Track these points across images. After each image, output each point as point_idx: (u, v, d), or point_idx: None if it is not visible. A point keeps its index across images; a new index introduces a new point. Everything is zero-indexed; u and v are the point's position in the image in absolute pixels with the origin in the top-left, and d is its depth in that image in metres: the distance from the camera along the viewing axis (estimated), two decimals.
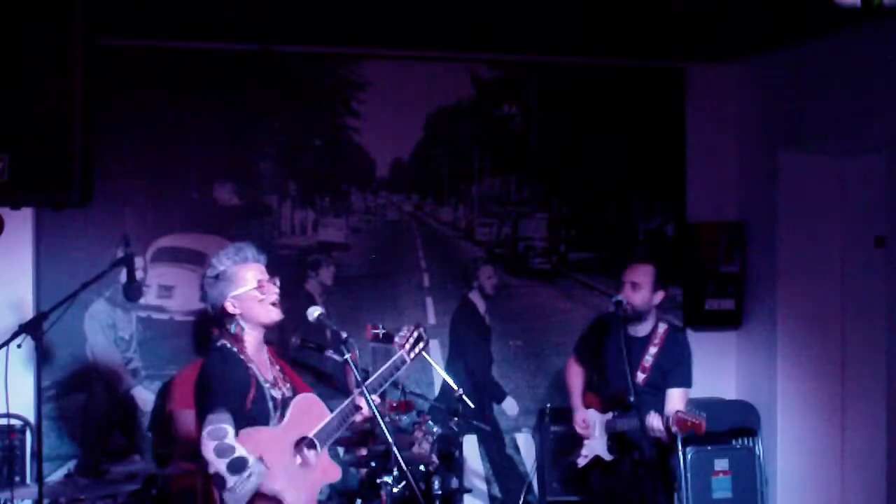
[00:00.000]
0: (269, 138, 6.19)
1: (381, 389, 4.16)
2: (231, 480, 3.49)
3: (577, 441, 5.21)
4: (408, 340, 4.23)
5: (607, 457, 5.00)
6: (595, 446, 5.07)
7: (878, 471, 5.72)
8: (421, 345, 4.28)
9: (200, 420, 3.64)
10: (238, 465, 3.49)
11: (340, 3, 5.25)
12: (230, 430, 3.56)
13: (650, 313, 5.12)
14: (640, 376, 5.01)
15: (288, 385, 3.95)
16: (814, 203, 6.35)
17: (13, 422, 5.51)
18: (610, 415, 5.01)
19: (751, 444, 6.40)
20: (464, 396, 5.42)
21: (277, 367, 3.99)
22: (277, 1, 5.16)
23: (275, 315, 3.85)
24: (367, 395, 3.86)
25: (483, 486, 6.37)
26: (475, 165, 6.57)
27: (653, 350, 5.06)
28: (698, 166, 6.75)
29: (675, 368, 4.98)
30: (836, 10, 3.46)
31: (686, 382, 4.98)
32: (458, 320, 6.42)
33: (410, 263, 6.42)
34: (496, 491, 6.40)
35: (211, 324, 3.90)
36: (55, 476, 5.52)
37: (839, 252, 6.36)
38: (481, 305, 6.46)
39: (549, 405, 6.36)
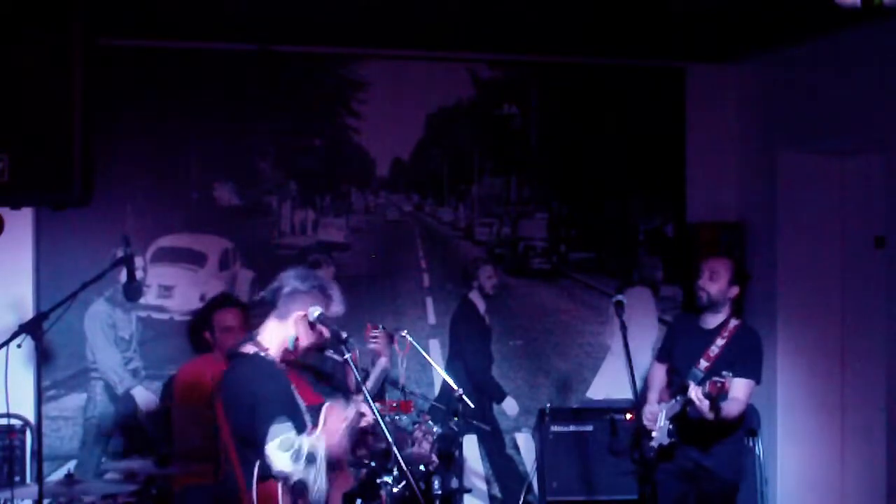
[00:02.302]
0: (269, 138, 6.19)
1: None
2: (312, 472, 3.50)
3: (642, 436, 5.21)
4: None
5: (666, 441, 5.01)
6: (659, 436, 5.09)
7: (878, 471, 5.72)
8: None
9: (250, 432, 3.53)
10: (312, 459, 3.51)
11: (340, 3, 5.25)
12: (294, 434, 3.52)
13: (724, 306, 5.15)
14: (703, 364, 5.02)
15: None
16: (814, 203, 6.34)
17: (13, 422, 5.51)
18: (673, 402, 5.02)
19: (751, 444, 6.39)
20: (464, 396, 5.43)
21: None
22: (277, 1, 5.16)
23: (299, 352, 3.88)
24: (370, 400, 3.86)
25: (483, 486, 6.36)
26: (475, 165, 6.57)
27: (720, 342, 5.08)
28: (698, 166, 6.74)
29: (743, 359, 4.94)
30: (836, 10, 3.45)
31: (752, 374, 4.96)
32: (458, 320, 6.41)
33: (410, 263, 6.42)
34: (496, 491, 6.40)
35: (263, 308, 3.87)
36: (55, 476, 5.51)
37: (839, 252, 6.36)
38: (481, 305, 6.46)
39: (549, 405, 6.36)
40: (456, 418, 5.43)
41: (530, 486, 6.35)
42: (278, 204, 6.22)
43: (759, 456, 6.36)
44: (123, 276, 4.73)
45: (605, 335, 6.57)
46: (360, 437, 5.05)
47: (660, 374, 5.38)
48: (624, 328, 4.97)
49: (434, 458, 5.22)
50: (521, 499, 6.29)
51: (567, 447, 6.20)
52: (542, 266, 6.61)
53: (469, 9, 5.38)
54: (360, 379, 3.95)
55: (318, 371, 5.91)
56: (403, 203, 6.46)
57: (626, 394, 5.34)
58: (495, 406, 6.43)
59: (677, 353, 5.22)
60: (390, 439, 3.80)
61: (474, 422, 5.70)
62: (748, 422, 6.39)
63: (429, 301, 6.40)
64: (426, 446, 5.24)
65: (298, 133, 6.25)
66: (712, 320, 5.16)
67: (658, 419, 5.14)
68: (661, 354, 5.47)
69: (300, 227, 6.25)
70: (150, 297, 5.95)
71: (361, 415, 3.95)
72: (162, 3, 5.18)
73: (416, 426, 5.36)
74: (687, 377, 4.95)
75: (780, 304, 6.33)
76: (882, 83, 5.47)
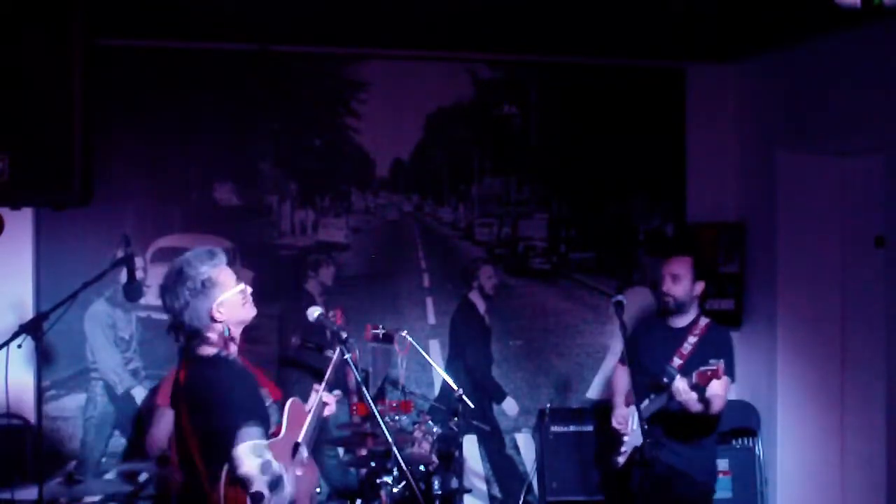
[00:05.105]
0: (269, 138, 6.19)
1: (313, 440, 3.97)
2: (269, 498, 3.38)
3: (617, 441, 5.20)
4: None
5: (641, 442, 4.99)
6: (632, 439, 5.07)
7: (879, 471, 5.72)
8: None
9: (218, 435, 3.44)
10: (277, 483, 3.41)
11: (340, 3, 5.25)
12: (266, 445, 3.45)
13: (692, 305, 5.19)
14: (677, 362, 5.01)
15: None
16: (814, 203, 6.34)
17: (13, 422, 5.51)
18: (646, 402, 5.00)
19: (751, 444, 6.39)
20: (464, 396, 5.43)
21: None
22: (277, 1, 5.16)
23: (253, 311, 3.74)
24: (371, 401, 3.84)
25: (483, 486, 6.36)
26: (475, 165, 6.57)
27: (692, 339, 5.09)
28: (698, 166, 6.74)
29: (718, 357, 4.93)
30: (836, 10, 3.45)
31: (729, 372, 4.94)
32: (458, 320, 6.41)
33: (410, 263, 6.42)
34: (496, 491, 6.40)
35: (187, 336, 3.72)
36: (55, 476, 5.51)
37: (839, 252, 6.36)
38: (481, 305, 6.46)
39: (549, 405, 6.36)
40: (456, 418, 5.44)
41: (530, 486, 6.35)
42: (278, 204, 6.22)
43: (760, 456, 6.37)
44: (123, 276, 4.72)
45: (605, 335, 6.57)
46: (361, 436, 5.05)
47: (624, 378, 5.37)
48: (624, 328, 4.97)
49: (434, 458, 5.22)
50: (521, 499, 6.29)
51: (567, 447, 6.21)
52: (542, 266, 6.62)
53: (469, 9, 5.38)
54: (360, 379, 3.95)
55: (318, 371, 5.93)
56: (403, 203, 6.46)
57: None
58: (495, 406, 6.43)
59: (646, 354, 5.16)
60: (390, 439, 3.80)
61: (474, 422, 5.71)
62: (747, 422, 6.44)
63: (429, 301, 6.40)
64: (426, 446, 5.24)
65: (298, 133, 6.25)
66: (681, 320, 5.19)
67: (630, 422, 5.12)
68: (625, 358, 5.41)
69: (300, 227, 6.25)
70: (150, 298, 5.93)
71: (324, 404, 3.91)
72: (162, 3, 5.18)
73: (416, 426, 5.37)
74: (661, 376, 4.91)
75: (780, 304, 6.34)
76: (882, 83, 5.46)
